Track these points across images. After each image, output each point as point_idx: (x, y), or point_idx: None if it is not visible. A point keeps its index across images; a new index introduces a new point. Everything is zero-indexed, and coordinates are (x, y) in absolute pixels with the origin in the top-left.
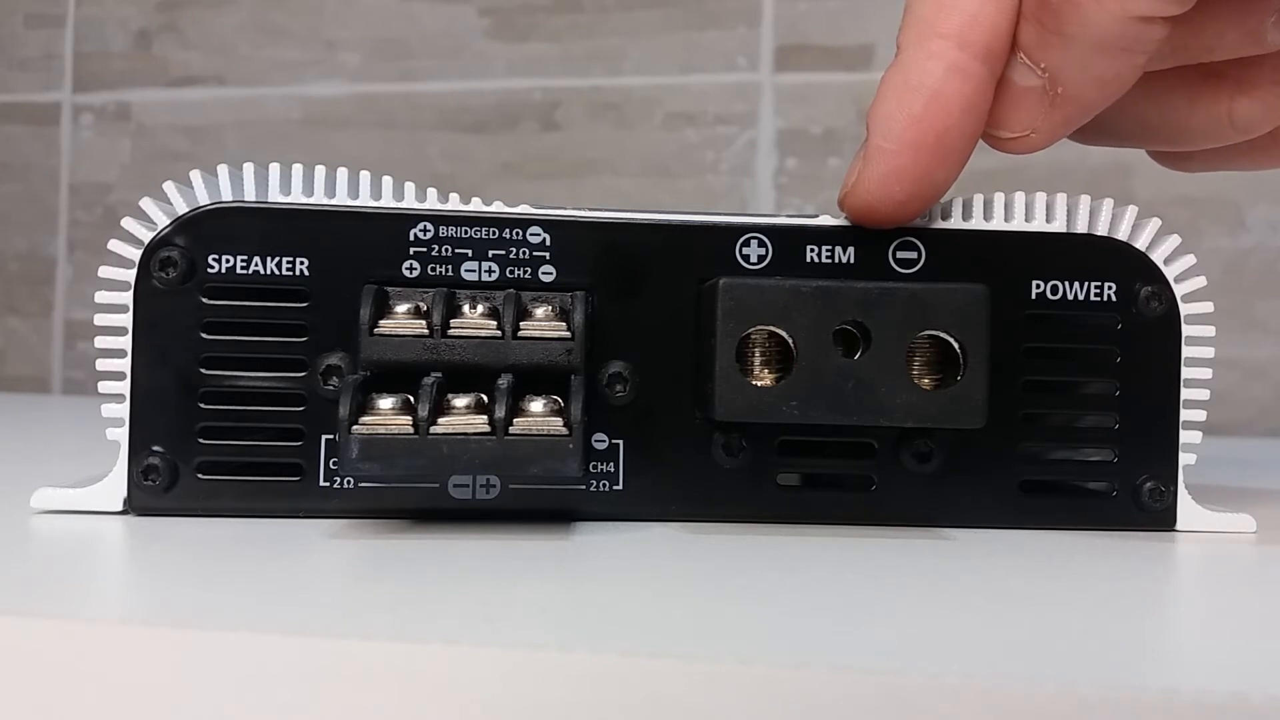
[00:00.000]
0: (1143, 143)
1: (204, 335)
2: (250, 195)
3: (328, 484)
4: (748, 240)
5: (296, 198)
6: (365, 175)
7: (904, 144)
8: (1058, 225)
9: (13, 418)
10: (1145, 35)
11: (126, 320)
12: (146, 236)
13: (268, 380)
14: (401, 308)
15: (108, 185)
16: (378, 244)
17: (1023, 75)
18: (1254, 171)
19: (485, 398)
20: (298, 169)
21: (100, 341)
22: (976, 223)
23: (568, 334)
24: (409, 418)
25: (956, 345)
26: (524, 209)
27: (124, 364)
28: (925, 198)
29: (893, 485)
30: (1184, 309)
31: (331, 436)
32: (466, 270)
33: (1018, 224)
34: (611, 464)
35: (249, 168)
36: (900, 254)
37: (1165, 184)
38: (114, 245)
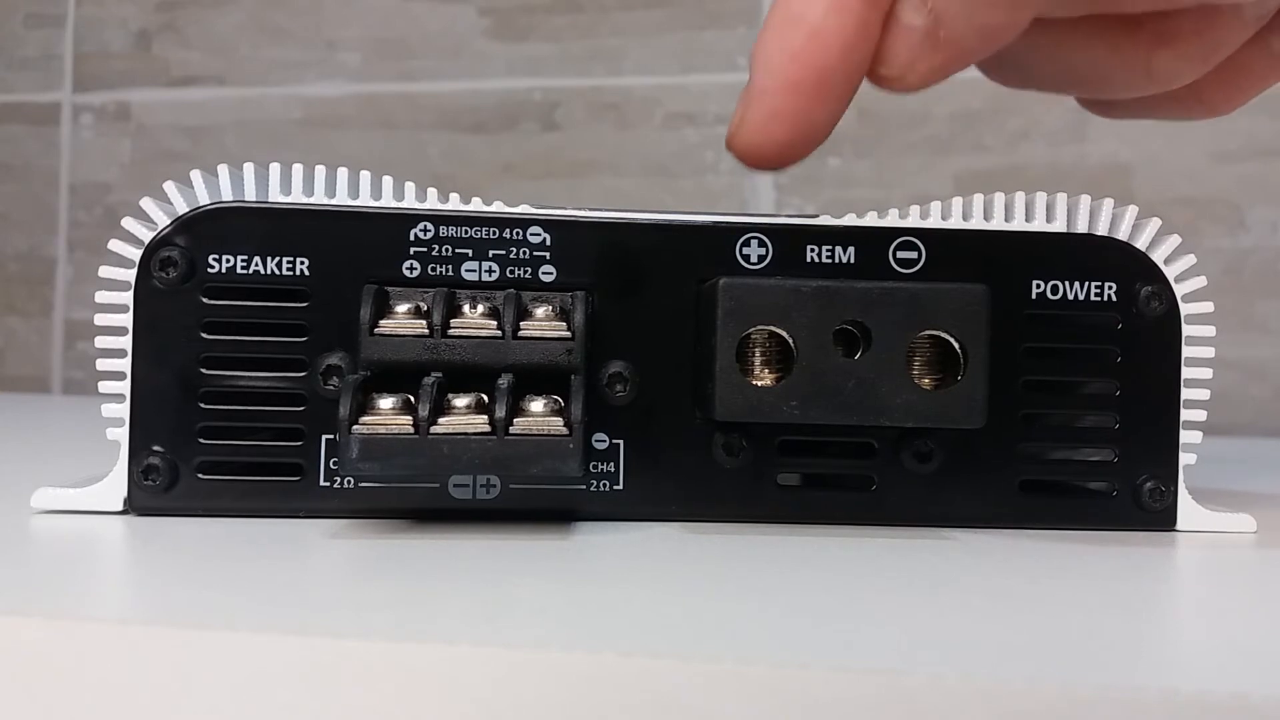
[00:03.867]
0: (1064, 89)
1: (204, 335)
2: (250, 195)
3: (328, 484)
4: (748, 240)
5: (296, 198)
6: (365, 175)
7: (783, 83)
8: (1058, 225)
9: (13, 418)
10: None
11: (126, 320)
12: (146, 236)
13: (268, 380)
14: (402, 308)
15: (108, 185)
16: (378, 244)
17: (909, 13)
18: (1178, 120)
19: (485, 398)
20: (298, 169)
21: (100, 341)
22: (976, 223)
23: (568, 334)
24: (409, 418)
25: (956, 345)
26: (524, 209)
27: (124, 364)
28: (808, 139)
29: (893, 485)
30: (1184, 309)
31: (332, 436)
32: (467, 270)
33: (1018, 224)
34: (611, 464)
35: (249, 168)
36: (900, 254)
37: (1165, 184)
38: (114, 245)
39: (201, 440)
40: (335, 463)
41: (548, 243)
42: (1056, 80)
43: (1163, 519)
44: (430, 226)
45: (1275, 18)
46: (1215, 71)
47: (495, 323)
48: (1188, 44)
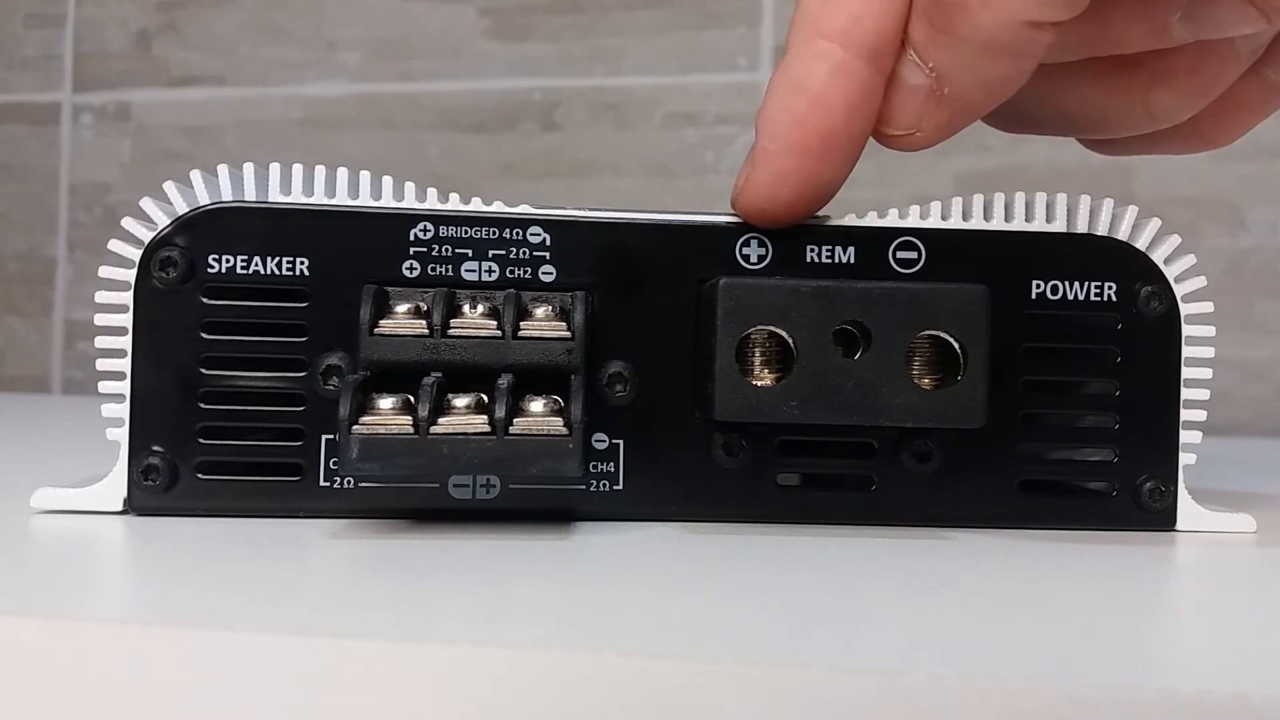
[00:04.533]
0: (1065, 131)
1: (204, 335)
2: (250, 195)
3: (328, 484)
4: (748, 240)
5: (296, 198)
6: (365, 175)
7: (789, 146)
8: (1058, 225)
9: (13, 418)
10: (1034, 39)
11: (126, 320)
12: (146, 236)
13: (268, 380)
14: (401, 308)
15: (108, 185)
16: (378, 244)
17: (911, 73)
18: (1177, 155)
19: (485, 398)
20: (298, 169)
21: (100, 341)
22: (976, 223)
23: (568, 334)
24: (409, 418)
25: (956, 345)
26: (524, 209)
27: (124, 364)
28: (814, 199)
29: (893, 485)
30: (1184, 309)
31: (331, 436)
32: (466, 270)
33: (1018, 224)
34: (611, 464)
35: (249, 168)
36: (900, 254)
37: (1165, 184)
38: (114, 245)
39: (201, 440)
40: (335, 463)
41: (547, 243)
42: (1057, 124)
43: (1162, 519)
44: (430, 226)
45: (1269, 50)
46: (1212, 105)
47: (495, 323)
48: (1184, 81)
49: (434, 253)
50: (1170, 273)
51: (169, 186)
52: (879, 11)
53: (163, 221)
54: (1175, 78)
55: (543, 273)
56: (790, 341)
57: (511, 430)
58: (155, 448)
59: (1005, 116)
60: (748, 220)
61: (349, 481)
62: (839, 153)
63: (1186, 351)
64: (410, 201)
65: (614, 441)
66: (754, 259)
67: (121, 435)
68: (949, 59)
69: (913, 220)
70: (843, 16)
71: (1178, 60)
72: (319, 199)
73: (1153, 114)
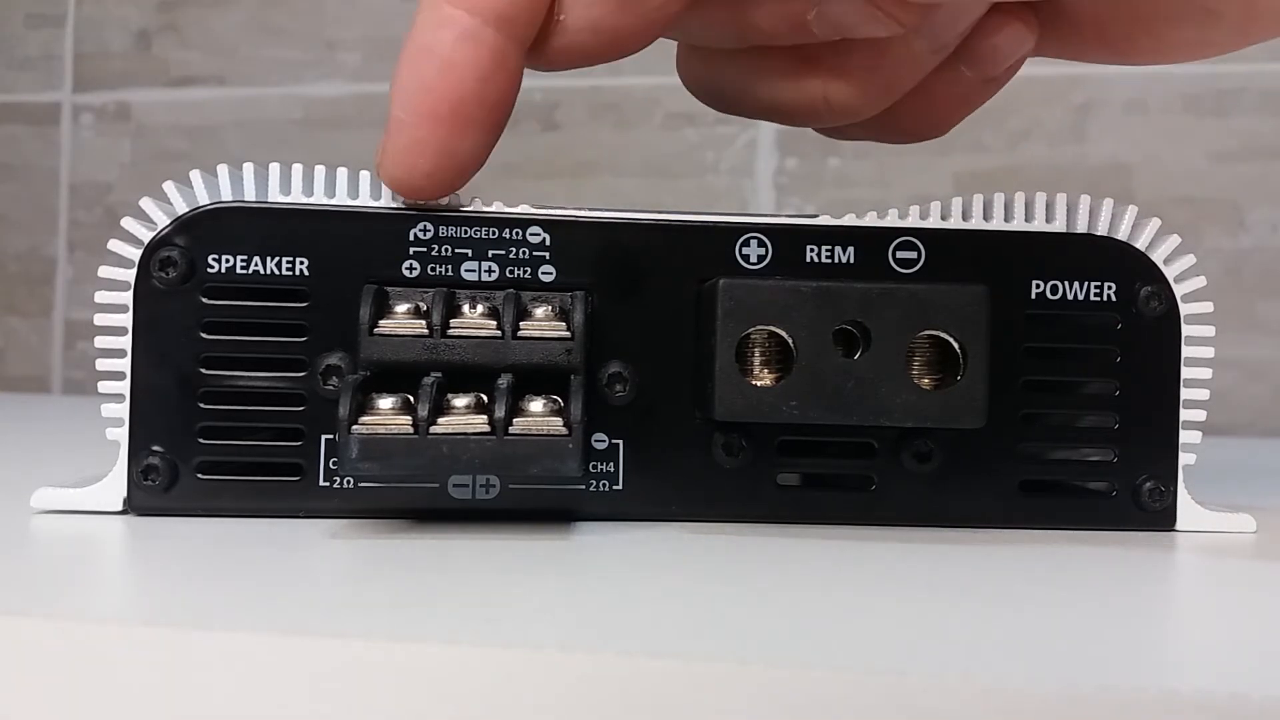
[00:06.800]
0: (762, 116)
1: (204, 335)
2: (250, 195)
3: (328, 484)
4: (747, 240)
5: (296, 198)
6: (365, 175)
7: (420, 115)
8: (1058, 225)
9: (13, 418)
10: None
11: (126, 320)
12: (146, 236)
13: (267, 380)
14: (401, 308)
15: (108, 185)
16: (378, 244)
17: None
18: (894, 145)
19: (485, 398)
20: (298, 169)
21: (100, 341)
22: (976, 223)
23: (567, 334)
24: (409, 417)
25: (956, 345)
26: (524, 209)
27: (124, 364)
28: (455, 169)
29: (893, 485)
30: (1184, 309)
31: (331, 436)
32: (466, 270)
33: (1018, 224)
34: (611, 464)
35: (249, 168)
36: (900, 254)
37: (1165, 184)
38: (114, 245)
39: (201, 440)
40: (335, 463)
41: (547, 243)
42: (755, 109)
43: (1162, 519)
44: (430, 226)
45: (962, 46)
46: (910, 100)
47: (495, 323)
48: (860, 77)
49: (434, 253)
50: (1170, 273)
51: (169, 186)
52: None
53: (162, 221)
54: (851, 74)
55: (542, 273)
56: (790, 341)
57: (511, 430)
58: (155, 448)
59: (711, 95)
60: (396, 191)
61: (349, 481)
62: (473, 122)
63: (1186, 351)
64: None
65: (614, 441)
66: (754, 259)
67: (121, 435)
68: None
69: (912, 220)
70: None
71: (852, 57)
72: (319, 199)
73: (833, 108)
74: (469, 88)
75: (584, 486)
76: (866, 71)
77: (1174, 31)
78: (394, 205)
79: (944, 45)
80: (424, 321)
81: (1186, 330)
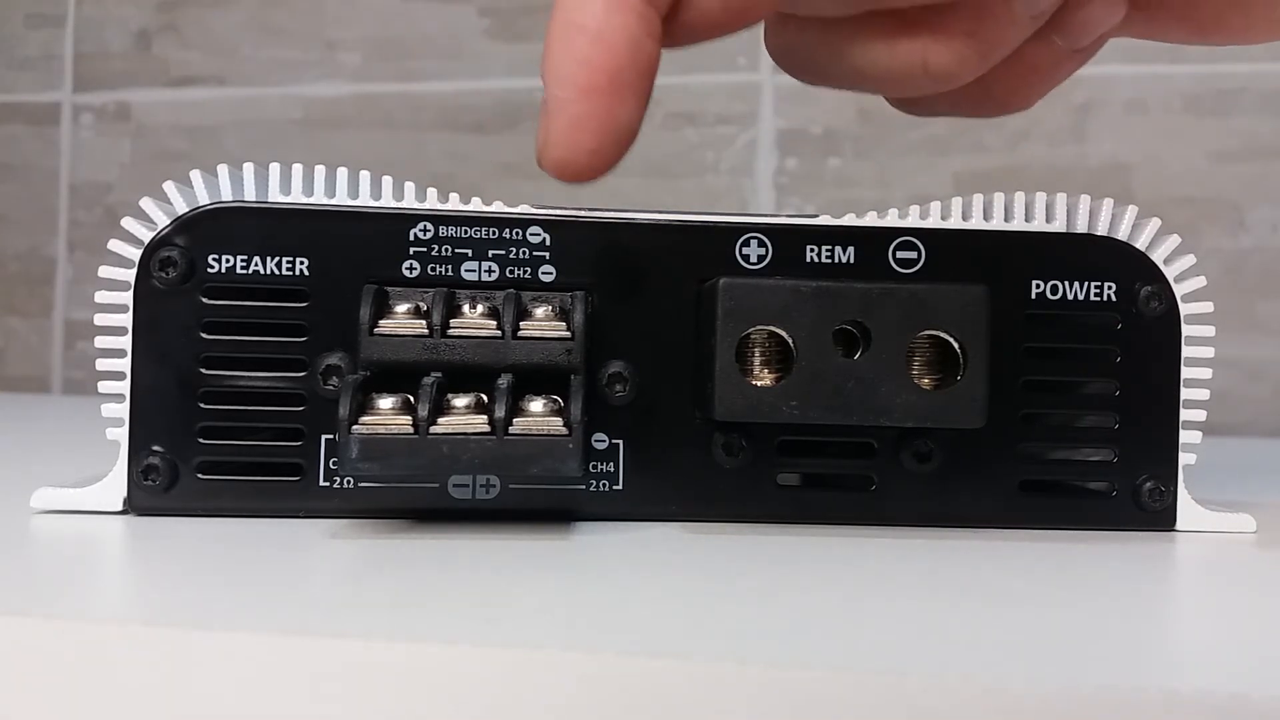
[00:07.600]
0: (853, 86)
1: (204, 335)
2: (250, 195)
3: (328, 484)
4: (747, 240)
5: (296, 198)
6: (365, 175)
7: (580, 89)
8: (1058, 225)
9: (13, 418)
10: None
11: (126, 320)
12: (146, 236)
13: (268, 380)
14: (401, 307)
15: (108, 185)
16: (378, 244)
17: None
18: (978, 119)
19: (485, 397)
20: (298, 169)
21: (100, 341)
22: (976, 223)
23: (567, 334)
24: (409, 417)
25: (956, 345)
26: (524, 209)
27: (124, 364)
28: (616, 143)
29: (893, 485)
30: (1184, 309)
31: (331, 436)
32: (466, 270)
33: (1018, 224)
34: (611, 464)
35: (249, 168)
36: (900, 254)
37: (1165, 184)
38: (114, 245)
39: (201, 440)
40: (335, 463)
41: (547, 243)
42: (845, 78)
43: (1162, 519)
44: (430, 226)
45: (1056, 16)
46: (1002, 69)
47: (495, 323)
48: (961, 43)
49: (434, 253)
50: (1170, 273)
51: (169, 186)
52: None
53: (162, 221)
54: (952, 39)
55: (542, 273)
56: (790, 341)
57: (511, 430)
58: (155, 448)
59: (800, 66)
60: (557, 178)
61: (349, 481)
62: (630, 88)
63: (1186, 351)
64: (410, 201)
65: (614, 441)
66: (754, 259)
67: (121, 435)
68: None
69: (913, 220)
70: None
71: (954, 22)
72: (319, 199)
73: (932, 74)
74: (624, 56)
75: (584, 486)
76: (966, 36)
77: (1267, 9)
78: (394, 205)
79: (1042, 12)
80: (424, 321)
81: (1186, 330)
